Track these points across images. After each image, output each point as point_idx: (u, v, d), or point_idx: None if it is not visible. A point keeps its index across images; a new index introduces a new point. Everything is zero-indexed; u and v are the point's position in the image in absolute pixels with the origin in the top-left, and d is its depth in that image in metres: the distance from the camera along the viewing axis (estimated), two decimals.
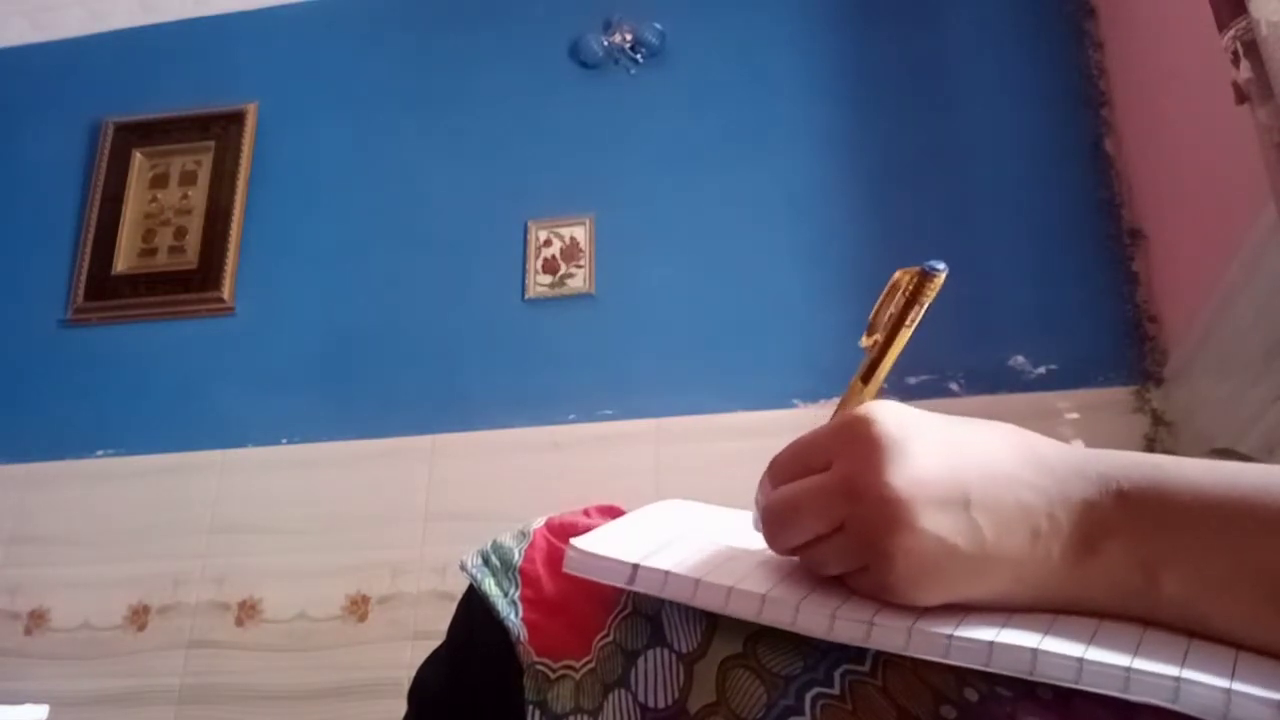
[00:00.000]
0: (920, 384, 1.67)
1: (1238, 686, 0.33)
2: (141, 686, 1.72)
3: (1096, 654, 0.34)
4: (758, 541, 0.43)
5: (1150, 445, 1.55)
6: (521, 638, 0.46)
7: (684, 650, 0.42)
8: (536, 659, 0.45)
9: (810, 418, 1.65)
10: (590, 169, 1.96)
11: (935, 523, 0.37)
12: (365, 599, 1.72)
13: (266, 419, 1.88)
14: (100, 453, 1.92)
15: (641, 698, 0.42)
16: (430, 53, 2.12)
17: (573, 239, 1.90)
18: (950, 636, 0.36)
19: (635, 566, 0.42)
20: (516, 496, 1.71)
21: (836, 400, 0.47)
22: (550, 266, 1.89)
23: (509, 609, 0.47)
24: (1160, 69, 1.58)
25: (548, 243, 1.91)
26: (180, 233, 2.08)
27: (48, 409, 1.99)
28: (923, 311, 0.44)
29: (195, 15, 2.26)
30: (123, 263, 2.07)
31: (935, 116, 1.85)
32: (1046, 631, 0.36)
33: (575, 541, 0.44)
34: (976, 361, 1.67)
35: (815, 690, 0.38)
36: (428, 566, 1.71)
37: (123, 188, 2.12)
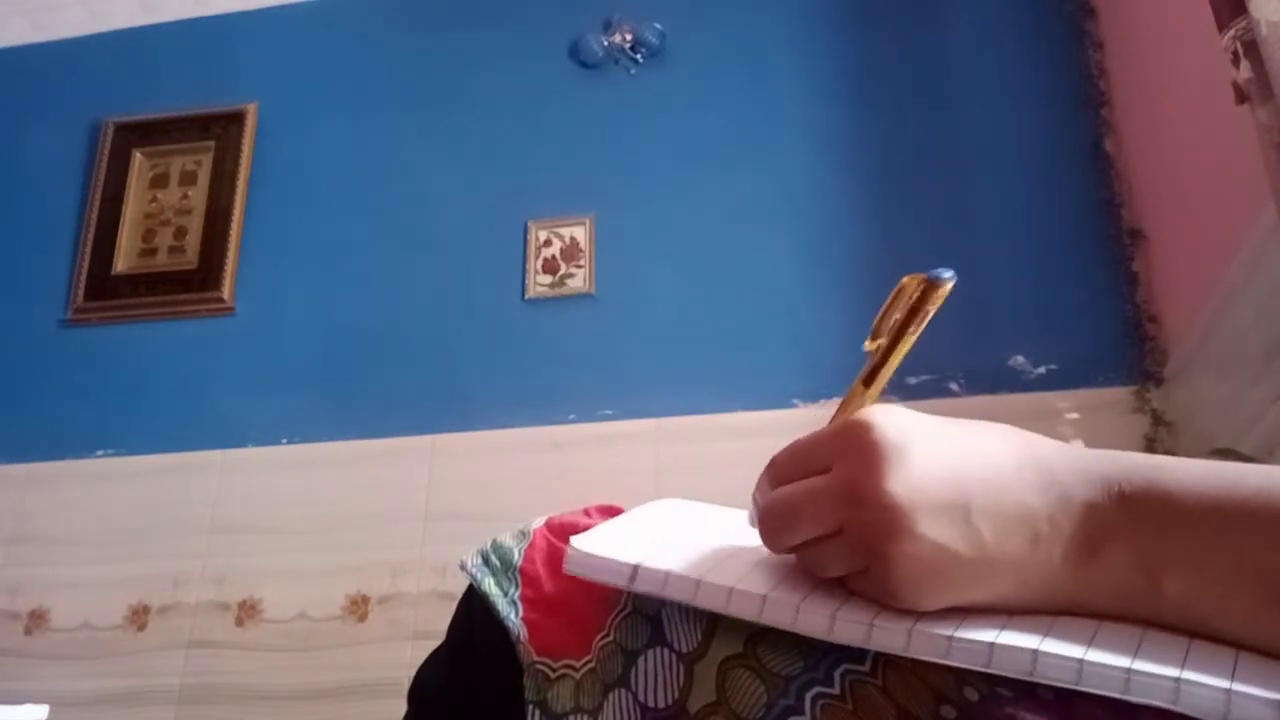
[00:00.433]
0: (920, 384, 1.67)
1: (1238, 687, 0.32)
2: (141, 686, 1.72)
3: (1096, 655, 0.34)
4: (755, 540, 0.43)
5: (1150, 445, 1.55)
6: (521, 637, 0.46)
7: (684, 650, 0.42)
8: (536, 659, 0.45)
9: (810, 418, 1.65)
10: (590, 169, 1.96)
11: (935, 528, 0.37)
12: (365, 599, 1.72)
13: (266, 419, 1.88)
14: (100, 453, 1.92)
15: (642, 697, 0.42)
16: (430, 53, 2.12)
17: (573, 239, 1.90)
18: (951, 638, 0.36)
19: (636, 567, 0.42)
20: (516, 496, 1.71)
21: (837, 401, 0.47)
22: (550, 266, 1.89)
23: (509, 609, 0.47)
24: (1160, 69, 1.58)
25: (548, 243, 1.91)
26: (180, 233, 2.08)
27: (48, 409, 1.99)
28: (927, 319, 0.44)
29: (195, 15, 2.26)
30: (123, 263, 2.07)
31: (935, 116, 1.85)
32: (1047, 633, 0.36)
33: (575, 541, 0.44)
34: (976, 361, 1.67)
35: (815, 690, 0.38)
36: (428, 566, 1.71)
37: (123, 188, 2.12)
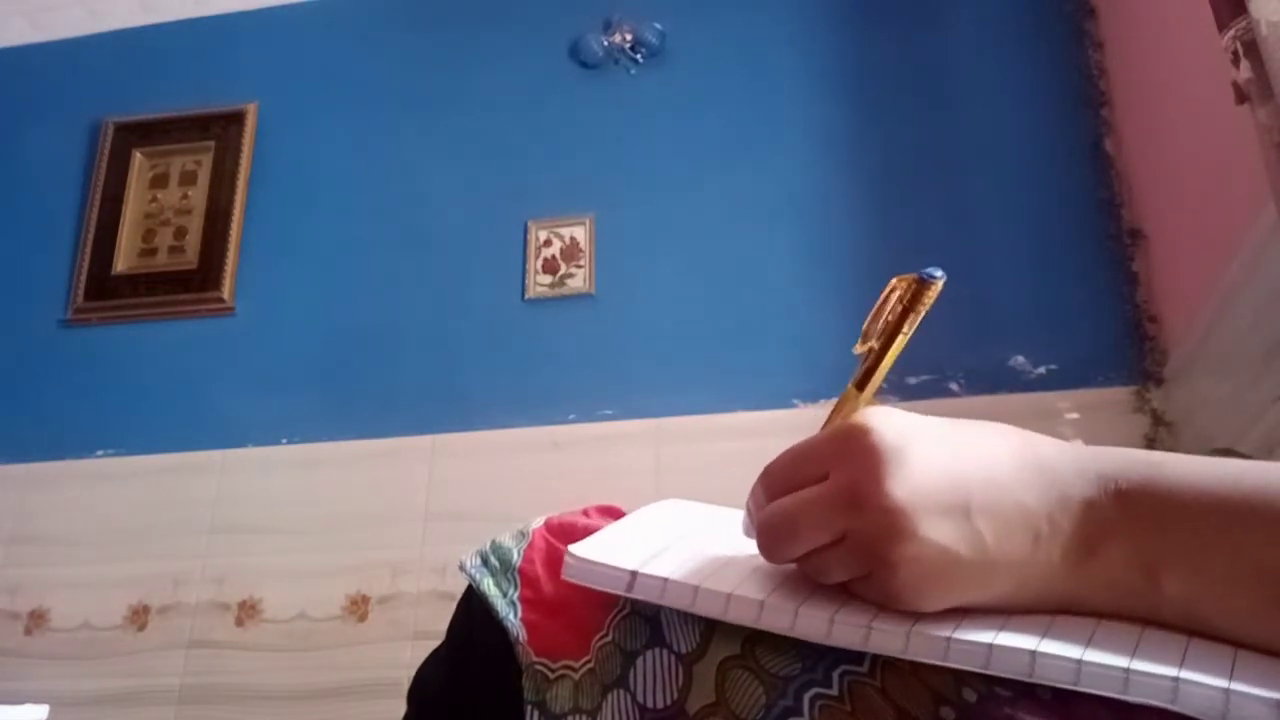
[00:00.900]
0: (920, 384, 1.67)
1: (1236, 686, 0.32)
2: (141, 686, 1.72)
3: (1095, 655, 0.34)
4: (753, 544, 0.43)
5: (1150, 445, 1.55)
6: (520, 638, 0.46)
7: (683, 650, 0.42)
8: (535, 659, 0.45)
9: (810, 418, 1.65)
10: (590, 169, 1.96)
11: (938, 530, 0.37)
12: (365, 599, 1.72)
13: (266, 419, 1.88)
14: (100, 453, 1.93)
15: (640, 698, 0.42)
16: (430, 53, 2.12)
17: (573, 239, 1.90)
18: (949, 639, 0.36)
19: (634, 574, 0.42)
20: (516, 496, 1.71)
21: (836, 401, 0.47)
22: (550, 266, 1.89)
23: (508, 609, 0.47)
24: (1160, 69, 1.58)
25: (548, 243, 1.91)
26: (180, 233, 2.08)
27: (48, 409, 1.99)
28: (919, 319, 0.44)
29: (195, 15, 2.26)
30: (123, 263, 2.07)
31: (935, 116, 1.85)
32: (1045, 633, 0.36)
33: (573, 549, 0.44)
34: (976, 361, 1.67)
35: (814, 691, 0.38)
36: (428, 566, 1.71)
37: (123, 188, 2.12)
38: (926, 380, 1.67)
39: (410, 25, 2.16)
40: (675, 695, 0.41)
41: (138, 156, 2.15)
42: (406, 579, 1.71)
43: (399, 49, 2.14)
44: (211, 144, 2.12)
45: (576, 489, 1.68)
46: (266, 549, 1.78)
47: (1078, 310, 1.68)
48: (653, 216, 1.89)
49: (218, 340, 1.98)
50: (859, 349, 0.44)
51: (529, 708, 0.44)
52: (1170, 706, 0.33)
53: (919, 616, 0.38)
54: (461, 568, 0.51)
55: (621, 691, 0.42)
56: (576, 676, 0.44)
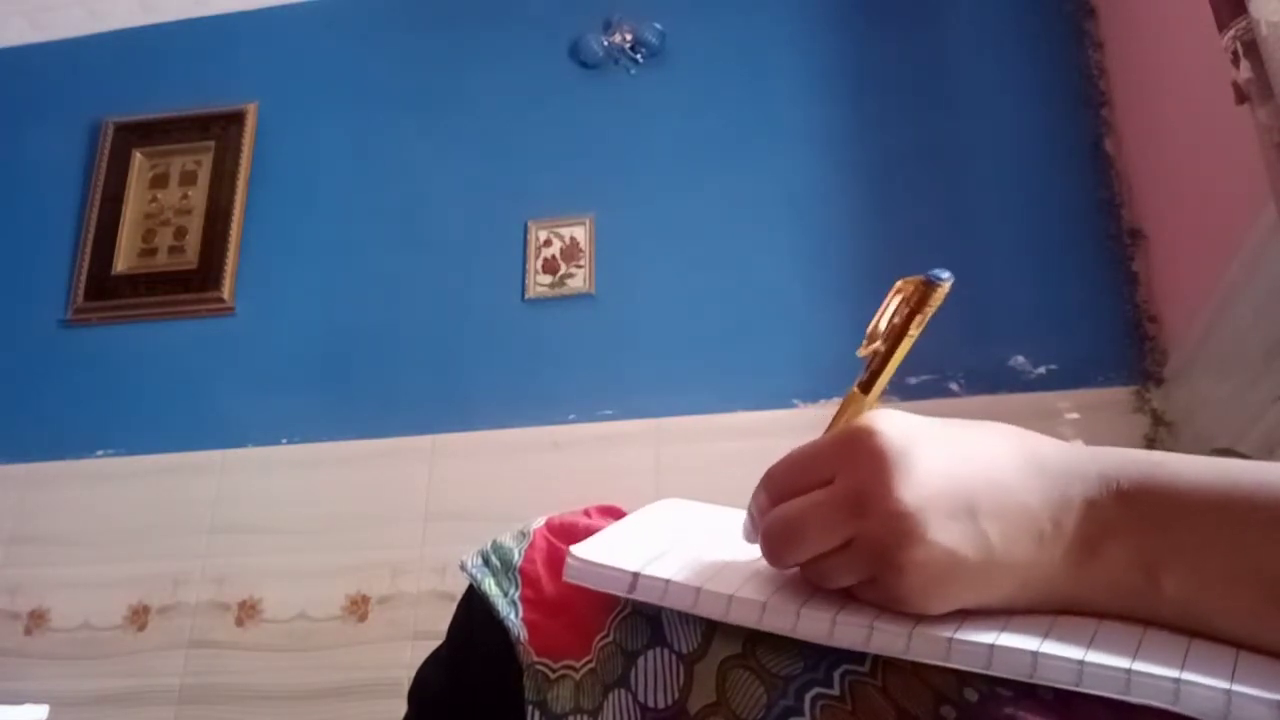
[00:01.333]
0: (920, 384, 1.67)
1: (1238, 688, 0.32)
2: (141, 686, 1.72)
3: (1096, 656, 0.34)
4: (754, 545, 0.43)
5: (1150, 445, 1.54)
6: (521, 638, 0.46)
7: (684, 650, 0.42)
8: (536, 659, 0.45)
9: (810, 418, 1.65)
10: (590, 169, 1.96)
11: (944, 534, 0.37)
12: (365, 599, 1.72)
13: (266, 419, 1.88)
14: (100, 453, 1.92)
15: (641, 698, 0.42)
16: (430, 53, 2.12)
17: (573, 239, 1.90)
18: (950, 640, 0.36)
19: (636, 575, 0.42)
20: (516, 496, 1.71)
21: (838, 401, 0.46)
22: (550, 266, 1.89)
23: (509, 609, 0.47)
24: (1160, 69, 1.58)
25: (548, 243, 1.91)
26: (180, 233, 2.08)
27: (48, 409, 1.99)
28: (925, 322, 0.43)
29: (195, 15, 2.26)
30: (123, 263, 2.07)
31: (935, 116, 1.85)
32: (1047, 633, 0.36)
33: (575, 550, 0.44)
34: (976, 361, 1.67)
35: (815, 690, 0.38)
36: (428, 566, 1.71)
37: (123, 188, 2.12)
38: (926, 380, 1.67)
39: (410, 25, 2.16)
40: (676, 695, 0.41)
41: (138, 156, 2.15)
42: (406, 579, 1.71)
43: (399, 49, 2.14)
44: (211, 144, 2.12)
45: (576, 489, 1.68)
46: (266, 549, 1.78)
47: (1078, 310, 1.68)
48: (653, 216, 1.89)
49: (218, 340, 1.98)
50: (863, 351, 0.44)
51: (530, 708, 0.44)
52: (1172, 708, 0.33)
53: (921, 618, 0.38)
54: (462, 567, 0.51)
55: (623, 691, 0.42)
56: (578, 676, 0.44)
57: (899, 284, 0.43)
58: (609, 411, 1.77)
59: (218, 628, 1.75)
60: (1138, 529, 0.37)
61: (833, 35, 1.95)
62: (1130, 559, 0.37)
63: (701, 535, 0.49)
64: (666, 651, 0.42)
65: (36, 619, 1.81)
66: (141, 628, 1.77)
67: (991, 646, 0.35)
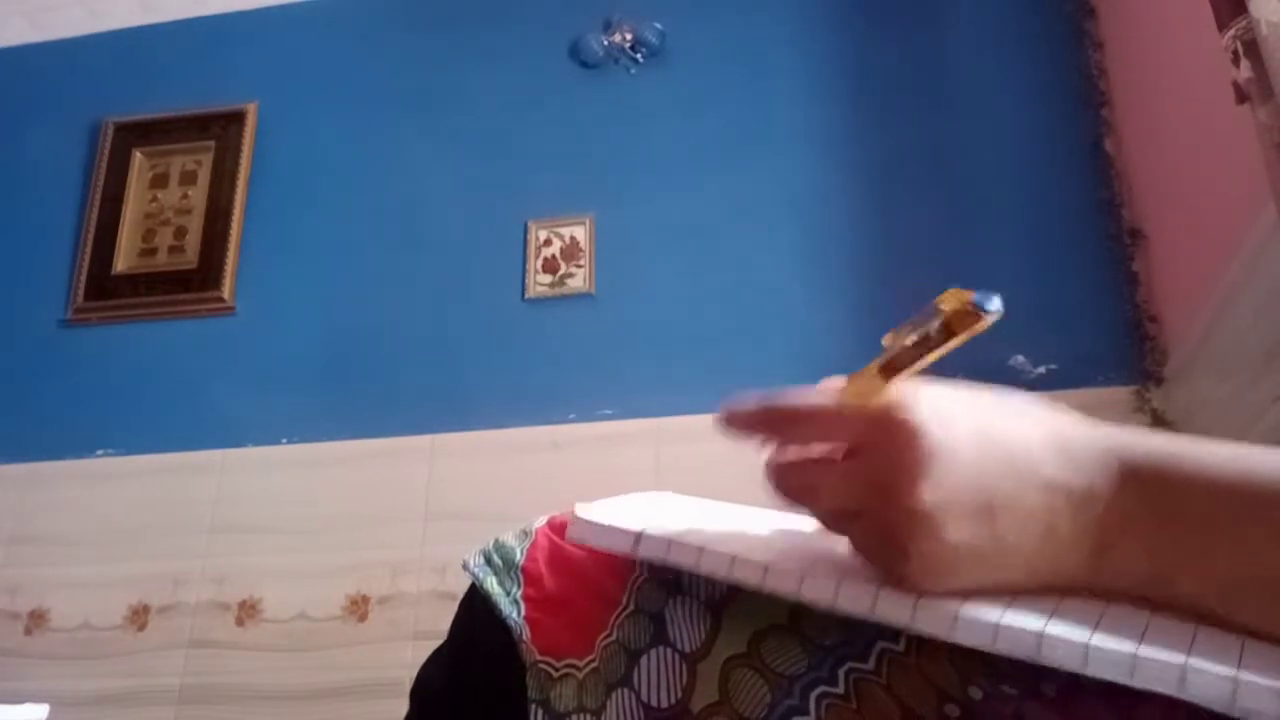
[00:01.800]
0: None
1: (1245, 675, 0.32)
2: (141, 686, 1.72)
3: (1102, 640, 0.34)
4: (756, 526, 0.43)
5: None
6: (524, 636, 0.46)
7: (687, 649, 0.42)
8: (539, 658, 0.45)
9: None
10: (590, 169, 1.96)
11: (958, 533, 0.37)
12: (365, 599, 1.72)
13: (266, 419, 1.88)
14: (100, 453, 1.92)
15: (645, 697, 0.42)
16: (430, 53, 2.12)
17: (573, 239, 1.90)
18: (956, 616, 0.36)
19: (640, 533, 0.42)
20: (516, 496, 1.71)
21: (853, 374, 0.44)
22: (550, 266, 1.89)
23: (511, 608, 0.47)
24: (1160, 69, 1.58)
25: (548, 243, 1.91)
26: (180, 232, 2.08)
27: (48, 409, 1.99)
28: (960, 344, 0.42)
29: (195, 15, 2.26)
30: (123, 263, 2.07)
31: (935, 116, 1.85)
32: (1052, 614, 0.36)
33: (579, 509, 0.44)
34: (976, 361, 1.66)
35: (820, 689, 0.38)
36: (428, 566, 1.71)
37: (123, 188, 2.12)
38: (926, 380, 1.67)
39: (410, 25, 2.16)
40: (679, 694, 0.41)
41: (138, 156, 2.15)
42: (406, 579, 1.71)
43: (399, 49, 2.14)
44: (211, 144, 2.12)
45: (576, 489, 1.67)
46: (266, 549, 1.78)
47: (1078, 310, 1.68)
48: (653, 216, 1.89)
49: (218, 340, 1.98)
50: (888, 340, 0.42)
51: (533, 706, 0.44)
52: (1177, 694, 0.33)
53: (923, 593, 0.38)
54: (464, 566, 0.51)
55: (626, 690, 0.42)
56: (580, 675, 0.44)
57: (946, 296, 0.41)
58: (609, 411, 1.77)
59: (218, 628, 1.74)
60: (1154, 527, 0.37)
61: (833, 35, 1.95)
62: (1144, 557, 0.37)
63: (698, 513, 0.49)
64: (670, 650, 0.42)
65: (36, 619, 1.81)
66: (141, 628, 1.77)
67: (996, 625, 0.35)
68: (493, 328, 1.87)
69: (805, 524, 0.47)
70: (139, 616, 1.78)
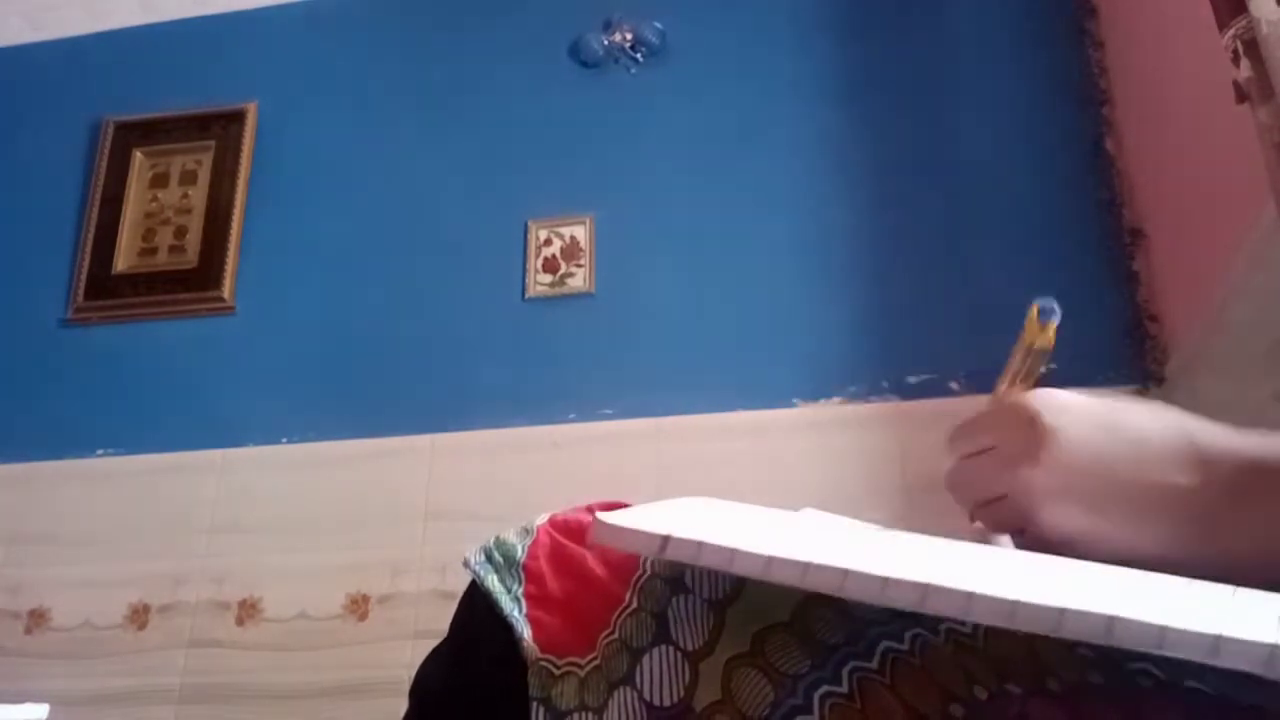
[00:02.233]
0: (920, 383, 1.67)
1: None
2: (141, 686, 1.72)
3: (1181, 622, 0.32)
4: (785, 529, 0.44)
5: None
6: (525, 634, 0.46)
7: (690, 648, 0.42)
8: (541, 656, 0.45)
9: (811, 417, 1.65)
10: (590, 169, 1.96)
11: (1079, 501, 0.44)
12: (365, 598, 1.72)
13: (266, 419, 1.88)
14: (100, 452, 1.92)
15: (647, 695, 0.42)
16: (431, 52, 2.12)
17: (573, 238, 1.90)
18: (1015, 602, 0.33)
19: (667, 536, 0.41)
20: (516, 496, 1.70)
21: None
22: (550, 266, 1.89)
23: (512, 605, 0.47)
24: (1160, 68, 1.58)
25: (548, 242, 1.91)
26: (180, 232, 2.08)
27: (48, 409, 1.99)
28: (1044, 349, 0.53)
29: (195, 15, 2.26)
30: (123, 262, 2.07)
31: (935, 116, 1.85)
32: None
33: (602, 516, 0.44)
34: (977, 361, 1.67)
35: (824, 689, 0.38)
36: (428, 566, 1.71)
37: (123, 187, 2.12)
38: (926, 380, 1.67)
39: (410, 25, 2.16)
40: (682, 693, 0.41)
41: (138, 156, 2.15)
42: (406, 578, 1.71)
43: (399, 49, 2.14)
44: (211, 143, 2.12)
45: (577, 488, 1.67)
46: (266, 548, 1.78)
47: (1078, 310, 1.66)
48: (653, 216, 1.89)
49: (218, 340, 1.98)
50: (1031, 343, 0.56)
51: (534, 704, 0.44)
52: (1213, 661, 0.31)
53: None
54: (465, 563, 0.51)
55: (628, 689, 0.42)
56: (582, 674, 0.44)
57: (1032, 311, 0.56)
58: (609, 411, 1.77)
59: (218, 627, 1.74)
60: (1252, 521, 0.41)
61: (833, 35, 1.95)
62: (1249, 538, 0.41)
63: (732, 516, 0.48)
64: (672, 649, 0.42)
65: (37, 618, 1.81)
66: (142, 627, 1.77)
67: (1061, 610, 0.32)
68: (493, 327, 1.87)
69: (836, 522, 0.53)
70: (139, 616, 1.78)
